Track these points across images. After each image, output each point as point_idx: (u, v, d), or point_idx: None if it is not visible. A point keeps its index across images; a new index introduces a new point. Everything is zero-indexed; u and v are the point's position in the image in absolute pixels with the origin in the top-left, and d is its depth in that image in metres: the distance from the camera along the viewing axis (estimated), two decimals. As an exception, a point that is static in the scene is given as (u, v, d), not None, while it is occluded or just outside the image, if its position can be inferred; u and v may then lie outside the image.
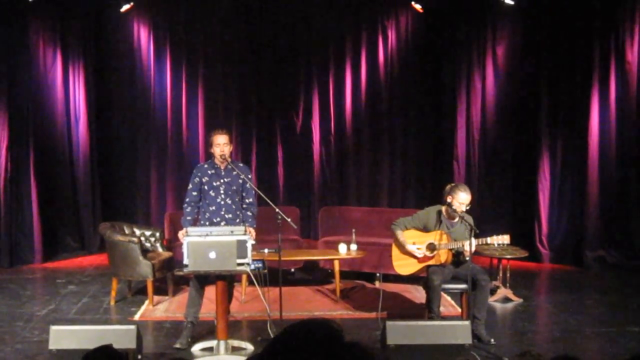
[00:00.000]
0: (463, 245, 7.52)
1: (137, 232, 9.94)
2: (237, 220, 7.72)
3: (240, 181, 7.78)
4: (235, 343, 7.44)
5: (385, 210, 11.88)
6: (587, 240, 11.68)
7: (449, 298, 9.27)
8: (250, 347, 7.38)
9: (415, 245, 7.83)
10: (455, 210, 7.64)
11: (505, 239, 7.47)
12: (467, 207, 7.67)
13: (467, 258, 7.45)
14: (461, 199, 7.64)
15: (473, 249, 7.40)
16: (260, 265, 7.23)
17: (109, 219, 11.15)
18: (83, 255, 12.49)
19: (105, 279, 10.30)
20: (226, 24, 13.05)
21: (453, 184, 7.93)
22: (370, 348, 2.37)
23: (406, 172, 13.28)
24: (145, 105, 12.99)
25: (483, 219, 11.12)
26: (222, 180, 7.75)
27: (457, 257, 7.80)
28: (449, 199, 7.70)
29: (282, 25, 13.10)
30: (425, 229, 7.87)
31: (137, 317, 8.73)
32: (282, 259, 7.87)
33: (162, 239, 10.12)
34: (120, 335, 6.55)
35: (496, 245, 7.67)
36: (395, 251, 8.03)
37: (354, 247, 9.68)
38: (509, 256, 9.48)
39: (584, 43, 11.61)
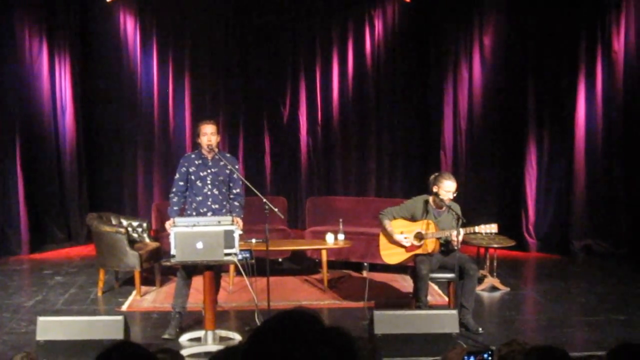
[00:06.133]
0: (451, 235, 7.54)
1: (124, 222, 9.92)
2: (224, 211, 7.71)
3: (228, 171, 7.76)
4: (223, 333, 7.44)
5: (372, 200, 11.91)
6: (574, 230, 11.74)
7: (436, 287, 9.29)
8: (238, 337, 7.39)
9: (403, 234, 7.84)
10: (442, 199, 7.66)
11: (493, 227, 7.49)
12: (454, 195, 7.69)
13: (456, 247, 7.47)
14: (447, 187, 7.66)
15: (461, 238, 7.43)
16: (247, 255, 7.22)
17: (96, 210, 11.11)
18: (70, 246, 12.45)
19: (92, 270, 10.26)
20: (213, 14, 13.01)
21: (437, 174, 7.94)
22: (354, 335, 2.38)
23: (393, 161, 13.29)
24: (132, 96, 12.94)
25: (470, 209, 11.13)
26: (209, 171, 7.73)
27: (446, 246, 7.82)
28: (435, 189, 7.73)
29: (269, 15, 13.05)
30: (413, 219, 7.88)
31: (124, 307, 8.71)
32: (270, 248, 7.88)
33: (149, 230, 10.11)
34: (107, 326, 6.55)
35: (484, 234, 7.69)
36: (382, 240, 8.04)
37: (341, 236, 9.69)
38: (496, 245, 9.52)
39: (570, 32, 11.65)
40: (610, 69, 11.47)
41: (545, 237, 12.04)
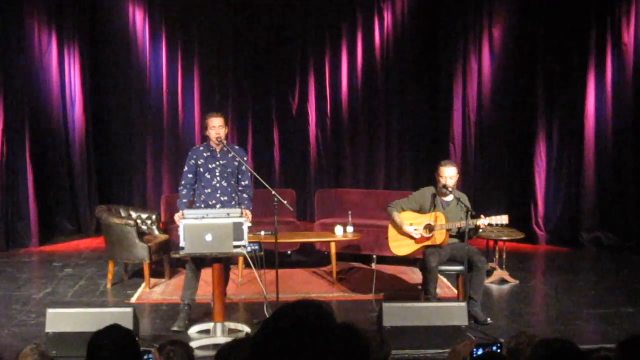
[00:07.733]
0: (462, 226, 7.53)
1: (134, 215, 9.94)
2: (233, 203, 7.72)
3: (236, 164, 7.76)
4: (232, 325, 7.45)
5: (381, 193, 11.89)
6: (583, 222, 11.70)
7: (445, 280, 9.27)
8: (247, 330, 7.40)
9: (412, 226, 7.84)
10: (445, 187, 7.68)
11: (504, 219, 7.51)
12: (456, 179, 7.74)
13: (481, 230, 7.54)
14: (446, 172, 7.71)
15: (486, 222, 7.45)
16: (256, 247, 7.23)
17: (105, 202, 11.15)
18: (80, 238, 12.44)
19: (102, 262, 10.29)
20: (222, 7, 12.98)
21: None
22: (363, 329, 2.39)
23: (402, 154, 13.24)
24: (141, 88, 12.92)
25: (479, 201, 11.13)
26: (217, 163, 7.73)
27: (460, 236, 7.76)
28: (437, 178, 7.77)
29: (278, 7, 13.02)
30: (421, 210, 7.88)
31: (134, 300, 8.74)
32: (279, 241, 7.88)
33: (158, 222, 10.12)
34: (117, 318, 6.53)
35: (495, 225, 7.67)
36: (392, 232, 8.04)
37: (350, 229, 9.68)
38: (505, 238, 9.51)
39: (580, 25, 11.59)
40: (620, 62, 11.41)
41: (554, 230, 12.01)
